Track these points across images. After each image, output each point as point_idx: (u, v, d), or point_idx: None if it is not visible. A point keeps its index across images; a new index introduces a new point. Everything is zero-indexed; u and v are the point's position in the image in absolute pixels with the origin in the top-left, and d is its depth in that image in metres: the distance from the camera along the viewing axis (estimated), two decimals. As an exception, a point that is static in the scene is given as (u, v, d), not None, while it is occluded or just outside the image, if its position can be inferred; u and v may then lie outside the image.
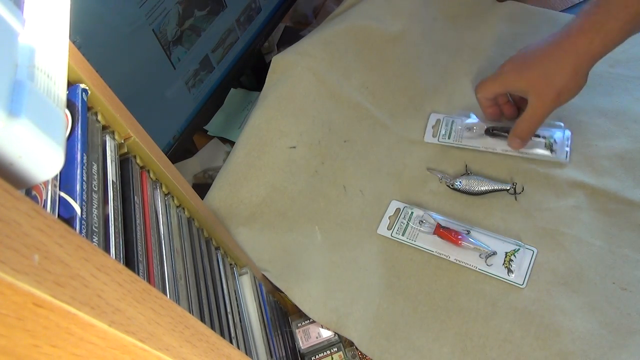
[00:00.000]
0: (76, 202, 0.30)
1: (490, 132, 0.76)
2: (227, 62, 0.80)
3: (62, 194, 0.30)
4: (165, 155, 0.45)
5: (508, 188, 0.72)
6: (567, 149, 0.74)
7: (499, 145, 0.75)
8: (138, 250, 0.36)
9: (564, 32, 0.65)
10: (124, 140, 0.40)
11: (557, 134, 0.75)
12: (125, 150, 0.40)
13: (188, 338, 0.24)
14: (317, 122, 0.76)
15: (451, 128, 0.79)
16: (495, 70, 0.74)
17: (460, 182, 0.73)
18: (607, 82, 0.81)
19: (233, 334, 0.49)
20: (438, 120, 0.81)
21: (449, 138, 0.79)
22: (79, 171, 0.32)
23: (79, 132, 0.33)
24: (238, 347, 0.50)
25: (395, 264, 0.69)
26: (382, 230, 0.72)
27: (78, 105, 0.34)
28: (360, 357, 0.65)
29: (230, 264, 0.58)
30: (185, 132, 0.75)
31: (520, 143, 0.72)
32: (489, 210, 0.72)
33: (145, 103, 0.66)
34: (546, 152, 0.74)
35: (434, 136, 0.80)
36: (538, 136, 0.74)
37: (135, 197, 0.39)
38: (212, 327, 0.45)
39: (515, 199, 0.72)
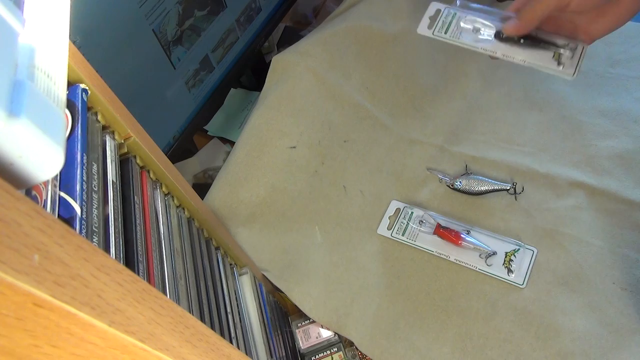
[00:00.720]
0: (76, 202, 0.30)
1: (500, 37, 0.63)
2: (227, 62, 0.80)
3: (62, 194, 0.30)
4: (165, 155, 0.45)
5: (508, 188, 0.72)
6: (578, 65, 0.62)
7: (500, 50, 0.63)
8: (138, 250, 0.36)
9: None
10: (124, 140, 0.40)
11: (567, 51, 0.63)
12: (125, 150, 0.40)
13: (188, 338, 0.24)
14: (317, 122, 0.76)
15: (451, 22, 0.67)
16: (496, 71, 0.73)
17: (460, 182, 0.73)
18: (607, 82, 0.81)
19: (233, 334, 0.49)
20: (438, 11, 0.68)
21: (445, 33, 0.66)
22: (79, 171, 0.32)
23: (79, 132, 0.33)
24: (238, 347, 0.50)
25: (395, 264, 0.69)
26: (382, 230, 0.72)
27: (78, 105, 0.34)
28: (360, 357, 0.65)
29: (230, 264, 0.58)
30: (185, 132, 0.75)
31: (519, 24, 0.59)
32: (489, 210, 0.72)
33: (145, 103, 0.66)
34: (553, 65, 0.62)
35: (429, 28, 0.67)
36: (547, 44, 0.63)
37: (135, 197, 0.39)
38: (212, 327, 0.45)
39: (515, 199, 0.72)
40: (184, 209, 0.49)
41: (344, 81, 0.80)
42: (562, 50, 0.62)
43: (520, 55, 0.62)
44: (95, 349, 0.19)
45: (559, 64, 0.63)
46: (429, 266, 0.68)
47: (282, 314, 0.68)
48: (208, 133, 0.92)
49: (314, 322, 0.66)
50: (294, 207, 0.72)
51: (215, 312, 0.47)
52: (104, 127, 0.38)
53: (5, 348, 0.17)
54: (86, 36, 0.54)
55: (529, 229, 0.69)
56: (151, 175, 0.43)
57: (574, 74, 0.62)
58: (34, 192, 0.28)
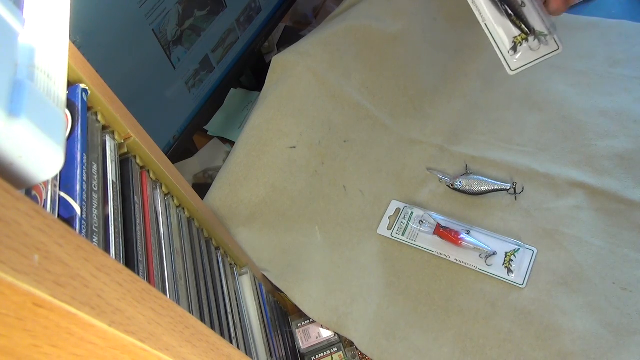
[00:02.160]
0: (76, 202, 0.30)
1: None
2: (227, 62, 0.80)
3: (62, 194, 0.30)
4: (165, 155, 0.45)
5: (508, 188, 0.72)
6: (521, 68, 0.54)
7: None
8: (138, 250, 0.36)
9: None
10: (124, 140, 0.40)
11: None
12: (125, 150, 0.40)
13: (188, 338, 0.24)
14: (317, 122, 0.76)
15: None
16: (496, 71, 0.73)
17: (460, 182, 0.73)
18: (607, 82, 0.81)
19: (233, 334, 0.49)
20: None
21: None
22: (79, 171, 0.32)
23: (79, 132, 0.33)
24: (238, 347, 0.50)
25: (395, 264, 0.69)
26: (382, 230, 0.72)
27: (78, 105, 0.34)
28: (360, 357, 0.65)
29: (230, 264, 0.58)
30: (185, 132, 0.75)
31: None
32: (489, 210, 0.72)
33: (145, 103, 0.66)
34: (506, 46, 0.54)
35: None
36: (522, 22, 0.53)
37: (135, 197, 0.39)
38: (212, 327, 0.45)
39: (515, 199, 0.72)
40: (184, 209, 0.49)
41: (344, 81, 0.80)
42: (530, 38, 0.52)
43: (486, 12, 0.52)
44: (95, 349, 0.19)
45: (515, 50, 0.54)
46: (429, 266, 0.68)
47: (282, 314, 0.68)
48: (208, 133, 0.92)
49: (314, 322, 0.66)
50: (294, 207, 0.72)
51: (215, 312, 0.47)
52: (104, 127, 0.38)
53: (5, 348, 0.17)
54: (86, 36, 0.54)
55: (529, 229, 0.69)
56: (151, 175, 0.43)
57: (513, 70, 0.54)
58: (34, 192, 0.28)
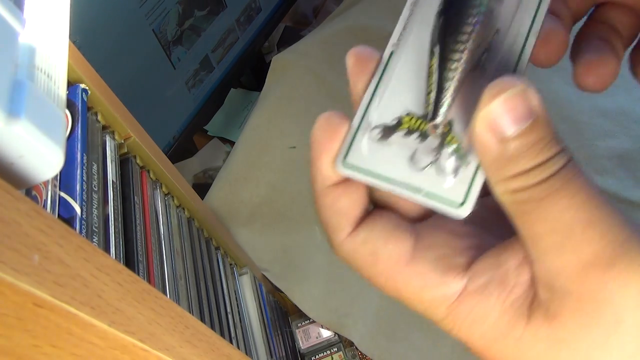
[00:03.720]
0: (76, 202, 0.30)
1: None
2: (227, 62, 0.80)
3: (62, 194, 0.30)
4: (165, 155, 0.45)
5: (508, 188, 0.72)
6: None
7: None
8: (138, 250, 0.36)
9: None
10: (124, 140, 0.40)
11: None
12: (125, 150, 0.40)
13: (188, 338, 0.24)
14: (317, 122, 0.76)
15: None
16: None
17: (460, 182, 0.73)
18: (607, 82, 0.81)
19: (233, 334, 0.49)
20: None
21: None
22: (79, 171, 0.32)
23: (79, 132, 0.33)
24: (238, 347, 0.50)
25: (395, 264, 0.69)
26: (382, 230, 0.72)
27: (78, 105, 0.34)
28: (360, 357, 0.65)
29: (230, 264, 0.58)
30: (185, 132, 0.75)
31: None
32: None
33: (145, 103, 0.66)
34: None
35: None
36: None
37: (135, 197, 0.39)
38: (212, 327, 0.45)
39: (515, 199, 0.72)
40: (184, 209, 0.49)
41: (344, 81, 0.80)
42: (428, 132, 0.21)
43: (410, 32, 0.25)
44: (95, 349, 0.19)
45: (387, 136, 0.23)
46: (429, 266, 0.68)
47: (282, 314, 0.68)
48: (208, 133, 0.92)
49: (314, 322, 0.66)
50: (294, 207, 0.72)
51: (215, 312, 0.47)
52: (104, 127, 0.38)
53: (5, 348, 0.17)
54: (86, 36, 0.54)
55: (529, 229, 0.69)
56: (151, 175, 0.43)
57: (343, 165, 0.22)
58: (34, 192, 0.28)
